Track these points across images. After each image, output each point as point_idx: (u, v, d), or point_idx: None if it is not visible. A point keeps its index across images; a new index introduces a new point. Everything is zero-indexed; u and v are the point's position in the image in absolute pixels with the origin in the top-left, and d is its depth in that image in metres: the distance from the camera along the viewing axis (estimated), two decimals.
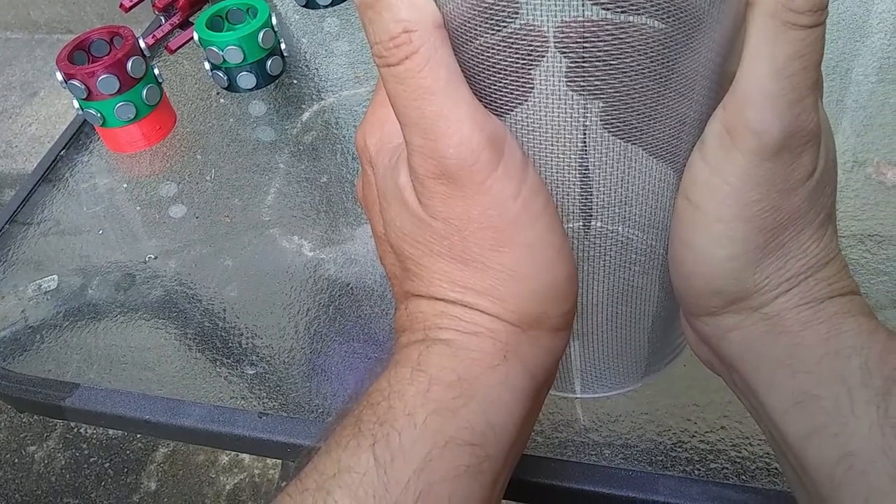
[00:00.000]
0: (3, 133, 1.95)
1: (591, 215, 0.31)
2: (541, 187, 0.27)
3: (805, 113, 0.25)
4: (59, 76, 0.60)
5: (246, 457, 1.29)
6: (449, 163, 0.26)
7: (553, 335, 0.29)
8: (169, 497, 1.26)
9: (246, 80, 0.67)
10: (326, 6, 0.76)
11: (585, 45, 0.25)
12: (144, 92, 0.62)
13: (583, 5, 0.24)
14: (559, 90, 0.27)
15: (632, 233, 0.31)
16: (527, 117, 0.27)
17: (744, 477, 0.39)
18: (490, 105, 0.27)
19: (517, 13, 0.25)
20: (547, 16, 0.25)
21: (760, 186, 0.26)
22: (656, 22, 0.25)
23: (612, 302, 0.34)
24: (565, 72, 0.26)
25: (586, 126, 0.28)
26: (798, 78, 0.25)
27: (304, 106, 0.66)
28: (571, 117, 0.27)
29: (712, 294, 0.29)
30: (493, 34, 0.26)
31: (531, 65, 0.26)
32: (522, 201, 0.26)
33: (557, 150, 0.28)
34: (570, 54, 0.26)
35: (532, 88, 0.27)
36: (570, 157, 0.28)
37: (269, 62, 0.67)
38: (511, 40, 0.26)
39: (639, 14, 0.25)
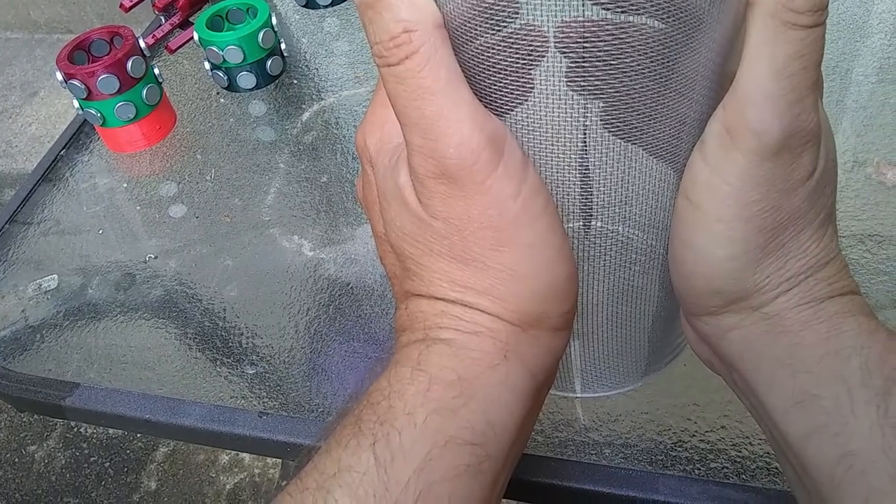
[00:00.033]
0: (3, 133, 1.96)
1: (591, 215, 0.31)
2: (541, 187, 0.27)
3: (805, 113, 0.25)
4: (59, 76, 0.60)
5: (246, 456, 1.29)
6: (449, 163, 0.26)
7: (553, 335, 0.29)
8: (169, 496, 1.26)
9: (246, 80, 0.67)
10: (326, 6, 0.76)
11: (585, 45, 0.25)
12: (144, 92, 0.62)
13: (583, 5, 0.24)
14: (559, 90, 0.27)
15: (632, 233, 0.31)
16: (527, 117, 0.27)
17: (744, 476, 0.39)
18: (490, 105, 0.27)
19: (517, 13, 0.25)
20: (547, 16, 0.25)
21: (760, 186, 0.26)
22: (656, 22, 0.25)
23: (612, 302, 0.34)
24: (565, 72, 0.26)
25: (586, 126, 0.28)
26: (798, 78, 0.25)
27: (304, 106, 0.66)
28: (571, 117, 0.27)
29: (712, 294, 0.29)
30: (493, 34, 0.26)
31: (531, 65, 0.26)
32: (522, 201, 0.26)
33: (557, 149, 0.28)
34: (570, 54, 0.26)
35: (532, 88, 0.27)
36: (570, 157, 0.28)
37: (269, 62, 0.67)
38: (511, 40, 0.26)
39: (639, 14, 0.25)
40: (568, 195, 0.29)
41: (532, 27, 0.25)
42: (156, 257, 0.56)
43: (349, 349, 0.48)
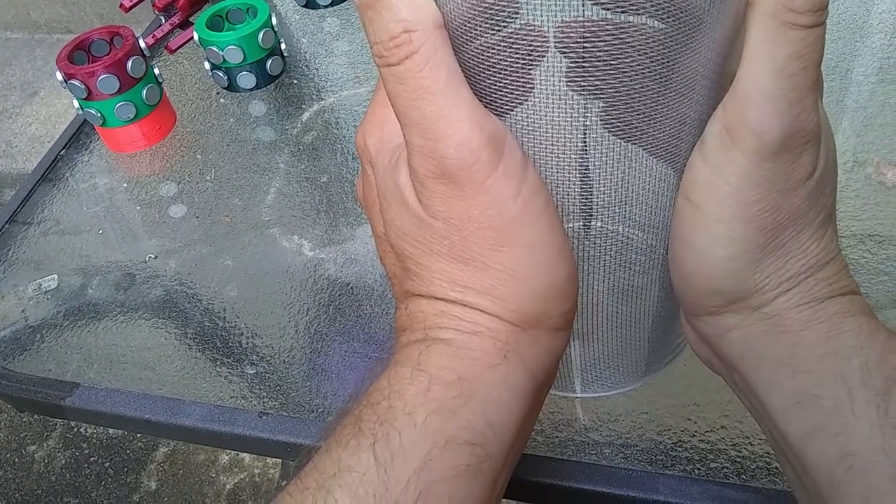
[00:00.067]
0: (3, 133, 1.96)
1: (591, 215, 0.31)
2: (541, 187, 0.27)
3: (805, 113, 0.25)
4: (59, 76, 0.60)
5: (246, 456, 1.29)
6: (449, 163, 0.26)
7: (553, 335, 0.29)
8: (169, 496, 1.26)
9: (246, 80, 0.67)
10: (326, 6, 0.76)
11: (585, 45, 0.25)
12: (144, 92, 0.62)
13: (583, 5, 0.24)
14: (559, 90, 0.27)
15: (632, 233, 0.31)
16: (527, 117, 0.27)
17: (744, 476, 0.39)
18: (490, 105, 0.27)
19: (517, 13, 0.25)
20: (547, 16, 0.25)
21: (760, 186, 0.26)
22: (656, 22, 0.25)
23: (612, 302, 0.34)
24: (565, 72, 0.26)
25: (586, 126, 0.28)
26: (798, 78, 0.25)
27: (304, 106, 0.66)
28: (571, 117, 0.27)
29: (712, 294, 0.29)
30: (493, 34, 0.26)
31: (531, 65, 0.26)
32: (522, 201, 0.26)
33: (557, 150, 0.28)
34: (570, 54, 0.26)
35: (532, 88, 0.27)
36: (570, 157, 0.28)
37: (269, 62, 0.67)
38: (511, 40, 0.26)
39: (639, 14, 0.25)
40: (568, 195, 0.29)
41: (532, 27, 0.25)
42: (156, 257, 0.56)
43: (349, 349, 0.48)
